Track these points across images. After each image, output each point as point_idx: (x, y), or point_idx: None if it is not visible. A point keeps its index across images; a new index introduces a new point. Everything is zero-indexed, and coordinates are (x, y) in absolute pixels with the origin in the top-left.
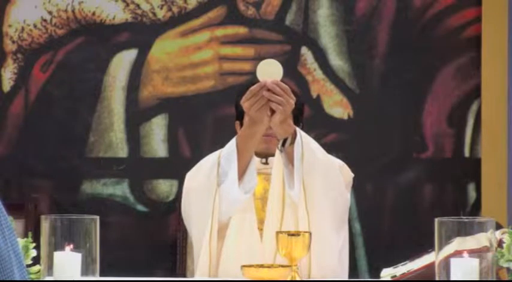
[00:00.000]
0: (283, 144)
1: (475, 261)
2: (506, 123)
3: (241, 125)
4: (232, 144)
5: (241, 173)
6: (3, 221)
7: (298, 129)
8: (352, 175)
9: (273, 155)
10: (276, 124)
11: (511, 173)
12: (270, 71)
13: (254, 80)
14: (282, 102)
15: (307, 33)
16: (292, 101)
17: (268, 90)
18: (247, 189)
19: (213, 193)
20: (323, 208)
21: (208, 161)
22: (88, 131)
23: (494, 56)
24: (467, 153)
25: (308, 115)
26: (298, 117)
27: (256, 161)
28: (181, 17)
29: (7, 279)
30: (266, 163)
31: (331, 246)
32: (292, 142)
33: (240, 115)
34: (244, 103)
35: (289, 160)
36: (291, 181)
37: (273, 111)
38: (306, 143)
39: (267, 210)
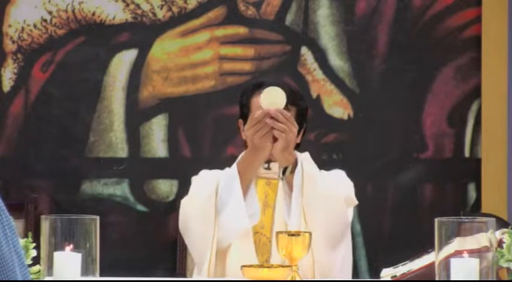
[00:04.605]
0: (284, 173)
1: (475, 261)
2: (506, 123)
3: (244, 123)
4: (233, 172)
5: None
6: (5, 221)
7: (300, 159)
8: (356, 203)
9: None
10: (278, 151)
11: (511, 173)
12: (273, 98)
13: (257, 79)
14: (284, 130)
15: (307, 33)
16: (295, 129)
17: (272, 117)
18: (249, 215)
19: (212, 223)
20: (321, 237)
21: (204, 189)
22: (88, 131)
23: (494, 56)
24: (467, 153)
25: (308, 115)
26: (301, 122)
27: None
28: (181, 17)
29: (9, 280)
30: (268, 168)
31: (329, 269)
32: (293, 171)
33: (243, 113)
34: (248, 130)
35: (290, 188)
36: (290, 209)
37: (275, 139)
38: (307, 173)
39: (272, 240)
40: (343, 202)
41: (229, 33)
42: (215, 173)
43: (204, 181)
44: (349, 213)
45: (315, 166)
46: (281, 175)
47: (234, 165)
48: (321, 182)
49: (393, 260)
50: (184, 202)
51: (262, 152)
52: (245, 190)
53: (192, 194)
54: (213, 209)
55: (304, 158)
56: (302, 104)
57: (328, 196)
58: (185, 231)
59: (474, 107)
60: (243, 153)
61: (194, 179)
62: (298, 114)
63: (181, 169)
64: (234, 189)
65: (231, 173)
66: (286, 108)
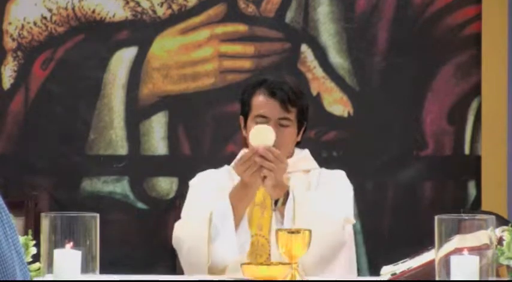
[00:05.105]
0: (276, 203)
1: (475, 259)
2: (506, 120)
3: (245, 120)
4: (225, 203)
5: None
6: (5, 219)
7: (292, 190)
8: (353, 222)
9: None
10: (268, 187)
11: (511, 170)
12: (262, 136)
13: (257, 76)
14: (273, 168)
15: (307, 30)
16: (285, 166)
17: (261, 156)
18: (240, 244)
19: (205, 252)
20: (312, 259)
21: (197, 218)
22: (88, 128)
23: (494, 53)
24: (467, 151)
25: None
26: (302, 121)
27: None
28: (181, 15)
29: (9, 279)
30: None
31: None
32: (284, 202)
33: (244, 111)
34: (237, 168)
35: (282, 217)
36: None
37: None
38: (299, 204)
39: (271, 240)
40: (338, 223)
41: (229, 30)
42: (213, 175)
43: (198, 204)
44: (346, 230)
45: (315, 166)
46: (273, 206)
47: (227, 198)
48: (313, 211)
49: (393, 258)
50: (178, 229)
51: (253, 188)
52: (238, 220)
53: (185, 218)
54: (206, 238)
55: (304, 157)
56: (303, 103)
57: (320, 223)
58: (179, 251)
59: (474, 105)
60: (239, 155)
61: (191, 186)
62: (298, 114)
63: (181, 167)
64: (227, 222)
65: (224, 206)
66: (286, 108)
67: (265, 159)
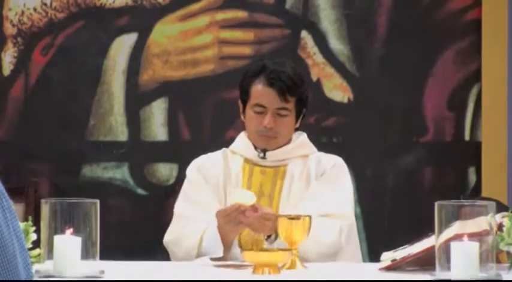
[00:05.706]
0: (268, 237)
1: (475, 245)
2: (506, 106)
3: (244, 107)
4: (215, 230)
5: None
6: (6, 204)
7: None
8: (351, 222)
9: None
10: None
11: (511, 156)
12: (241, 197)
13: (257, 63)
14: (258, 228)
15: (308, 17)
16: (271, 223)
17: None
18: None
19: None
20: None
21: (187, 243)
22: (88, 114)
23: (495, 39)
24: (467, 137)
25: (308, 101)
26: (300, 109)
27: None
28: (181, 1)
29: (10, 264)
30: (264, 158)
31: None
32: (277, 237)
33: (242, 97)
34: (220, 220)
35: None
36: None
37: None
38: None
39: None
40: (332, 235)
41: (228, 17)
42: (207, 162)
43: (190, 220)
44: (344, 233)
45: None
46: (265, 236)
47: (215, 226)
48: (307, 240)
49: (393, 244)
50: (167, 236)
51: (236, 234)
52: (229, 245)
53: (176, 238)
54: (195, 255)
55: (302, 142)
56: (302, 92)
57: (313, 244)
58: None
59: (474, 91)
60: (238, 138)
61: (186, 177)
62: (297, 103)
63: (181, 153)
64: (217, 245)
65: (214, 232)
66: (285, 98)
67: (247, 218)
